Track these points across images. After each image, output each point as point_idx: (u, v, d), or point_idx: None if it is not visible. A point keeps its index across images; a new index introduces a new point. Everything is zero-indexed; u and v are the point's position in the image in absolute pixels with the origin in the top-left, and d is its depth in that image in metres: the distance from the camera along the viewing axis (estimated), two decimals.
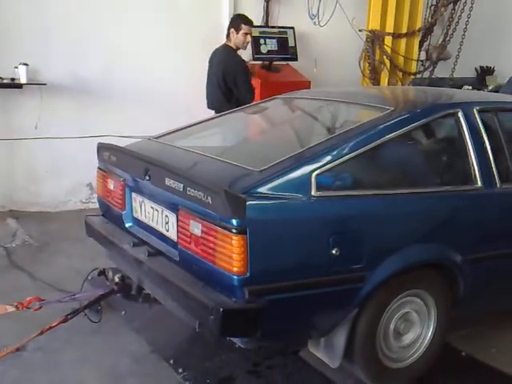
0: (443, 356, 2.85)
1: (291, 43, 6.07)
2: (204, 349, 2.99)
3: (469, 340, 3.16)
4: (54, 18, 5.12)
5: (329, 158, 2.43)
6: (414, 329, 2.72)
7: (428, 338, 2.76)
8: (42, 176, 5.36)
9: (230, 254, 2.18)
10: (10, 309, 2.87)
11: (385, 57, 6.32)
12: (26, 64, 4.90)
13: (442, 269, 2.68)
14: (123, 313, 3.36)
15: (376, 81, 6.38)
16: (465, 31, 6.46)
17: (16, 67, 4.90)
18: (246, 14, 5.27)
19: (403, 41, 6.42)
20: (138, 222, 2.88)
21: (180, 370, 2.82)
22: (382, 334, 2.61)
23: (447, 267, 2.68)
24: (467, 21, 6.43)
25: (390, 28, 6.30)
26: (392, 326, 2.64)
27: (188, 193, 2.32)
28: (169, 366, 2.87)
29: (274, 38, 5.91)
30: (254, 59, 5.89)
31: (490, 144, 2.82)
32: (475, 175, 2.76)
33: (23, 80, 4.93)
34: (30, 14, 5.04)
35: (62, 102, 5.24)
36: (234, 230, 2.16)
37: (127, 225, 2.93)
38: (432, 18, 6.62)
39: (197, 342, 3.04)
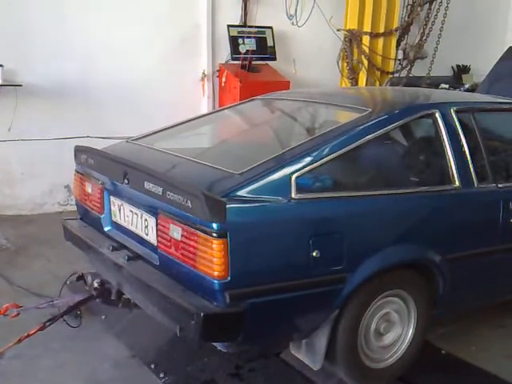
0: (423, 355, 2.87)
1: (270, 43, 6.06)
2: (185, 352, 2.97)
3: (449, 338, 3.19)
4: (31, 19, 5.04)
5: (308, 160, 2.42)
6: (394, 329, 2.73)
7: (408, 337, 2.78)
8: (18, 178, 5.28)
9: (211, 258, 2.16)
10: None
11: (363, 56, 6.36)
12: (0, 65, 4.82)
13: (422, 269, 2.70)
14: (103, 317, 3.32)
15: (354, 80, 6.41)
16: (441, 30, 6.52)
17: None
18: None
19: (381, 40, 6.46)
20: (116, 226, 2.85)
21: (161, 375, 2.80)
22: (363, 334, 2.62)
23: (426, 267, 2.70)
24: (443, 20, 6.51)
25: (367, 27, 6.33)
26: (373, 327, 2.65)
27: (167, 196, 2.30)
28: (150, 371, 2.84)
29: (252, 37, 5.90)
30: (233, 59, 5.88)
31: (468, 144, 2.84)
32: (453, 175, 2.78)
33: None
34: (6, 13, 4.96)
35: (39, 104, 5.16)
36: (214, 234, 2.14)
37: (106, 229, 2.90)
38: (409, 17, 6.68)
39: (178, 345, 3.02)
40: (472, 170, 2.83)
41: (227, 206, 2.15)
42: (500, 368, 2.95)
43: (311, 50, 6.39)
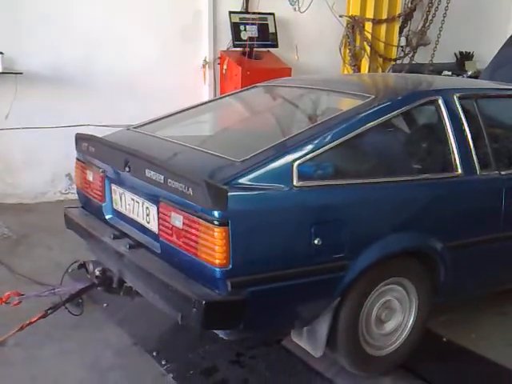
0: (424, 342, 2.87)
1: (272, 30, 6.02)
2: (187, 340, 2.98)
3: (450, 326, 3.19)
4: (31, 6, 5.00)
5: (310, 147, 2.41)
6: (395, 316, 2.74)
7: (409, 325, 2.78)
8: (19, 167, 5.28)
9: (212, 246, 2.16)
10: None
11: (365, 43, 6.30)
12: (1, 53, 4.80)
13: (423, 256, 2.70)
14: (105, 305, 3.33)
15: (357, 67, 6.35)
16: (444, 17, 6.46)
17: None
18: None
19: (383, 27, 6.39)
20: (118, 214, 2.85)
21: (163, 362, 2.82)
22: (364, 322, 2.63)
23: (428, 255, 2.70)
24: (446, 6, 6.44)
25: (370, 14, 6.26)
26: (374, 314, 2.66)
27: (169, 184, 2.29)
28: (152, 358, 2.86)
29: (254, 24, 5.86)
30: (235, 46, 5.85)
31: (470, 131, 2.83)
32: (455, 162, 2.77)
33: None
34: (5, 1, 4.93)
35: (40, 92, 5.14)
36: (215, 222, 2.14)
37: (107, 217, 2.89)
38: (411, 3, 6.61)
39: (179, 333, 3.03)
40: (474, 157, 2.81)
41: (229, 193, 2.14)
42: (500, 355, 2.95)
43: (313, 36, 6.33)
